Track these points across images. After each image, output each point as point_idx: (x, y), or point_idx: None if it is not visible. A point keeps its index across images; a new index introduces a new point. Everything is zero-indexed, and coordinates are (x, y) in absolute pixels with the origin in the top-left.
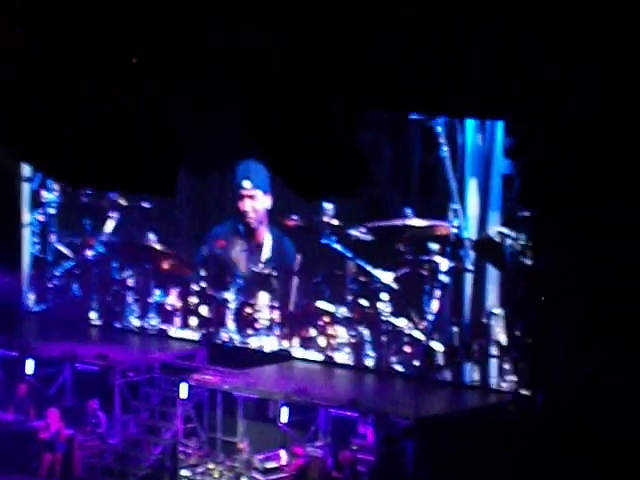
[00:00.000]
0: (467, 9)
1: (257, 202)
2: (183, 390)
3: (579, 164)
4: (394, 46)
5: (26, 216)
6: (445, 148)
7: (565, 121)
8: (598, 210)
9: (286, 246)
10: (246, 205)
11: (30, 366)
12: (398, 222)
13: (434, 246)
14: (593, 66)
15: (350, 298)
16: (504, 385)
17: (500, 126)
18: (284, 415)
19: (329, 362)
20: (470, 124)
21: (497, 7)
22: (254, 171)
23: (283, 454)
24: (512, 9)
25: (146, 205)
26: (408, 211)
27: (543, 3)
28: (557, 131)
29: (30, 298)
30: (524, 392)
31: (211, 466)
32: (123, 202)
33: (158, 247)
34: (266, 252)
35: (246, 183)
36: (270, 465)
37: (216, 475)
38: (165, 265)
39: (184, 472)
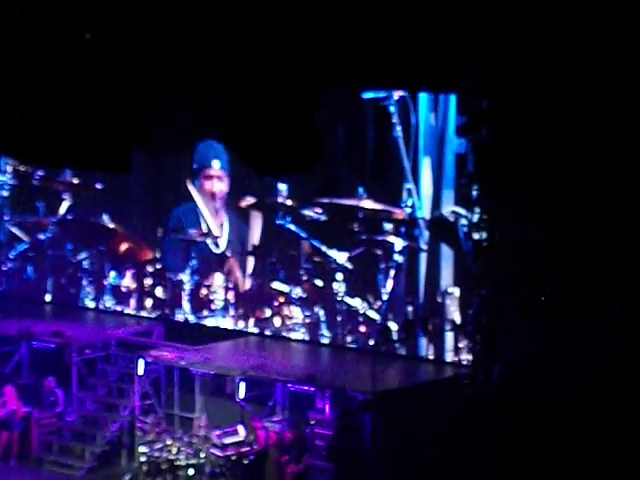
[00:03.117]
0: None
1: (223, 183)
2: (140, 367)
3: (531, 140)
4: (349, 22)
5: None
6: (398, 127)
7: (515, 96)
8: (551, 185)
9: (243, 229)
10: (214, 186)
11: None
12: (352, 202)
13: (388, 226)
14: (545, 40)
15: (305, 278)
16: (458, 360)
17: (453, 105)
18: (242, 391)
19: (285, 337)
20: (423, 103)
21: None
22: (221, 152)
23: (241, 429)
24: None
25: (99, 186)
26: (362, 191)
27: None
28: (508, 107)
29: None
30: (479, 366)
31: (169, 442)
32: (76, 182)
33: (113, 228)
34: (225, 235)
35: (215, 163)
36: (228, 440)
37: (174, 451)
38: (121, 247)
39: (142, 448)
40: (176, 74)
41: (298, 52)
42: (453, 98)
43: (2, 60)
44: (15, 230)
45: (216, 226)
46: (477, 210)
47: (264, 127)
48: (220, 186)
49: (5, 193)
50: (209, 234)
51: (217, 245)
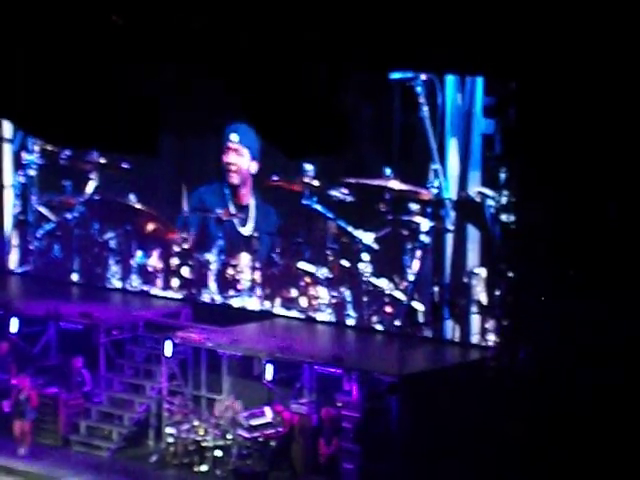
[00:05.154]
0: None
1: (243, 159)
2: (167, 348)
3: (558, 121)
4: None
5: (7, 178)
6: (425, 108)
7: (543, 78)
8: (579, 167)
9: (269, 212)
10: (230, 157)
11: (14, 325)
12: (379, 183)
13: (415, 206)
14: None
15: (331, 259)
16: (485, 342)
17: (479, 85)
18: (269, 372)
19: (311, 318)
20: (450, 84)
21: None
22: (244, 131)
23: (268, 411)
24: None
25: (126, 166)
26: (388, 171)
27: None
28: (536, 89)
29: (12, 259)
30: (505, 349)
31: (196, 423)
32: (103, 162)
33: (139, 208)
34: (251, 216)
35: (233, 137)
36: (255, 422)
37: (201, 432)
38: (148, 227)
39: (169, 430)
40: (205, 57)
41: (326, 35)
42: (480, 79)
43: (31, 42)
44: (42, 209)
45: (241, 206)
46: (504, 191)
47: (292, 109)
48: (238, 160)
49: (32, 172)
50: (236, 214)
51: (243, 225)
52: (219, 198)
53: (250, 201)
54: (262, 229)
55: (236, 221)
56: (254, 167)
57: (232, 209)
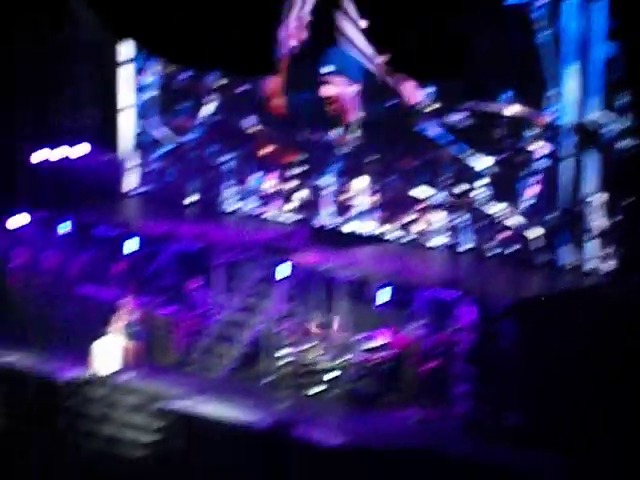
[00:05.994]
0: None
1: (339, 88)
2: (282, 270)
3: None
4: None
5: (126, 99)
6: (543, 33)
7: None
8: None
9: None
10: (326, 90)
11: (131, 244)
12: (496, 108)
13: (532, 132)
14: None
15: (447, 184)
16: (602, 268)
17: (599, 9)
18: (382, 296)
19: (426, 244)
20: (570, 8)
21: None
22: (339, 58)
23: (381, 334)
24: None
25: (246, 87)
26: (507, 96)
27: None
28: None
29: (130, 181)
30: (622, 275)
31: (309, 345)
32: (222, 84)
33: (257, 130)
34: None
35: (326, 69)
36: (368, 345)
37: (315, 354)
38: (264, 149)
39: (283, 351)
40: None
41: None
42: (604, 2)
43: None
44: (160, 132)
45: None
46: (625, 116)
47: (412, 34)
48: (334, 90)
49: (151, 95)
50: (347, 139)
51: (356, 150)
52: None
53: (353, 120)
54: (373, 151)
55: (348, 146)
56: (354, 89)
57: (341, 133)
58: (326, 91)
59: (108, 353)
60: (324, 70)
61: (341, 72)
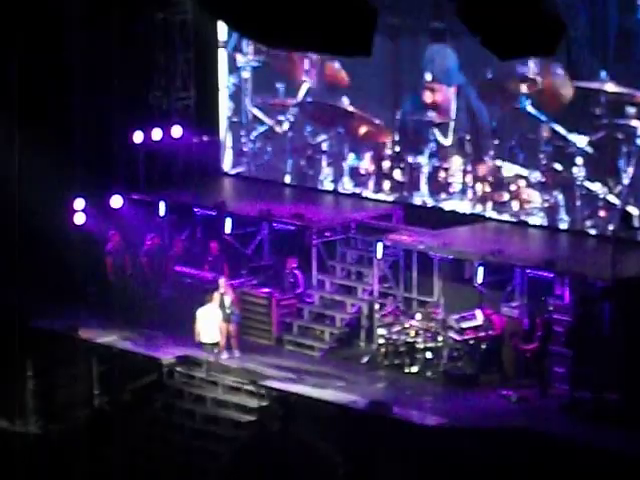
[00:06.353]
0: None
1: (439, 94)
2: (379, 250)
3: None
4: None
5: (222, 80)
6: None
7: None
8: None
9: (478, 110)
10: (427, 97)
11: (228, 225)
12: (594, 85)
13: (631, 109)
14: None
15: (544, 162)
16: None
17: None
18: (480, 275)
19: (523, 223)
20: None
21: None
22: (438, 63)
23: (479, 314)
24: None
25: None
26: (604, 74)
27: None
28: None
29: (226, 161)
30: None
31: (407, 325)
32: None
33: (352, 111)
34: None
35: (427, 76)
36: (466, 325)
37: (412, 334)
38: (360, 129)
39: (380, 331)
40: None
41: None
42: None
43: None
44: (256, 112)
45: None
46: None
47: (505, 9)
48: (435, 98)
49: (246, 75)
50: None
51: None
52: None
53: (452, 109)
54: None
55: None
56: (452, 92)
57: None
58: (428, 97)
59: (210, 322)
60: (425, 77)
61: (440, 79)
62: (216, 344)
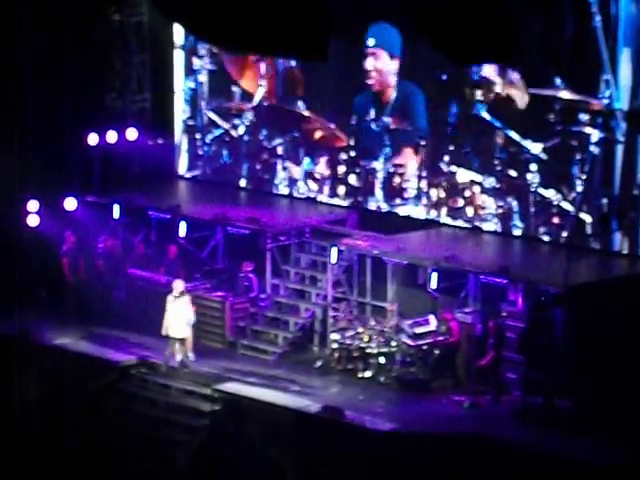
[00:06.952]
0: None
1: (380, 62)
2: (334, 255)
3: None
4: None
5: (178, 83)
6: (598, 18)
7: None
8: None
9: (414, 97)
10: (368, 63)
11: (183, 228)
12: (548, 92)
13: (585, 117)
14: None
15: (499, 168)
16: None
17: None
18: (434, 281)
19: (477, 229)
20: None
21: None
22: (383, 33)
23: (432, 319)
24: None
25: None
26: (558, 81)
27: None
28: None
29: (181, 164)
30: None
31: (361, 330)
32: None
33: (307, 115)
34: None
35: (370, 41)
36: (419, 330)
37: (366, 339)
38: (315, 134)
39: (334, 336)
40: None
41: None
42: None
43: None
44: (211, 115)
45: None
46: None
47: (459, 15)
48: (376, 64)
49: (202, 78)
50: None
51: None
52: (367, 105)
53: (391, 95)
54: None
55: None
56: (394, 66)
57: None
58: (368, 63)
59: (180, 317)
60: (368, 43)
61: (382, 46)
62: (183, 340)
